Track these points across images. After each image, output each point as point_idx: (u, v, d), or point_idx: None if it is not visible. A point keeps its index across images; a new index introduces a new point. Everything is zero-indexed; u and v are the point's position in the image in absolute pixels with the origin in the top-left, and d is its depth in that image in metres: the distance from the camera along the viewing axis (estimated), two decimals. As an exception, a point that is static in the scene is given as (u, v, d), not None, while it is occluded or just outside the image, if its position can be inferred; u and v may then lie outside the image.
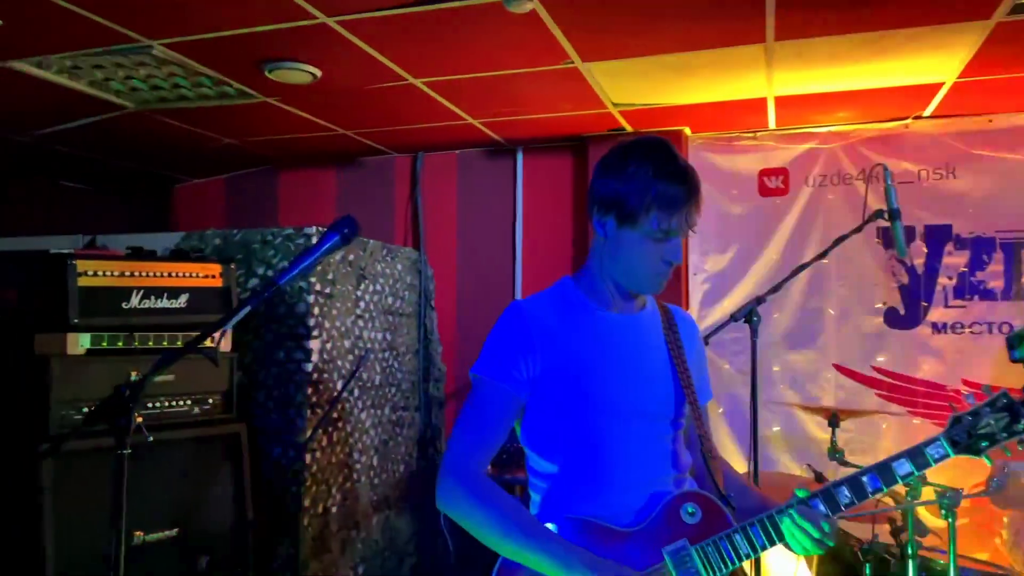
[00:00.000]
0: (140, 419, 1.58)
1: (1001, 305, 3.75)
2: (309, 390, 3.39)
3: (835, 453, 2.92)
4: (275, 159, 4.73)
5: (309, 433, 3.36)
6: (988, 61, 3.06)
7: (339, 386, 3.60)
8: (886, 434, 3.82)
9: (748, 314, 2.63)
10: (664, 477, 1.63)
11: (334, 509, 3.55)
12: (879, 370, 3.87)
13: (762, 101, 3.61)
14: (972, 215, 3.79)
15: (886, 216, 2.79)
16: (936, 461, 1.49)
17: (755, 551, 1.51)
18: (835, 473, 3.46)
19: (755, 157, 4.10)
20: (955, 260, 3.82)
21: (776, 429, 3.94)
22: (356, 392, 3.75)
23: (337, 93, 3.43)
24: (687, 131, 4.11)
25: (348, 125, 4.02)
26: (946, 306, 3.82)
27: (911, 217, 3.81)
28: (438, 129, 4.12)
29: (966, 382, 3.77)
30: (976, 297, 3.78)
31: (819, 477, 3.16)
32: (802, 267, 2.77)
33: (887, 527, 2.80)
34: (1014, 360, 1.48)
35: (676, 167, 1.61)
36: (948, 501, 2.41)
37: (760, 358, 3.95)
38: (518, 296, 4.41)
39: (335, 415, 3.57)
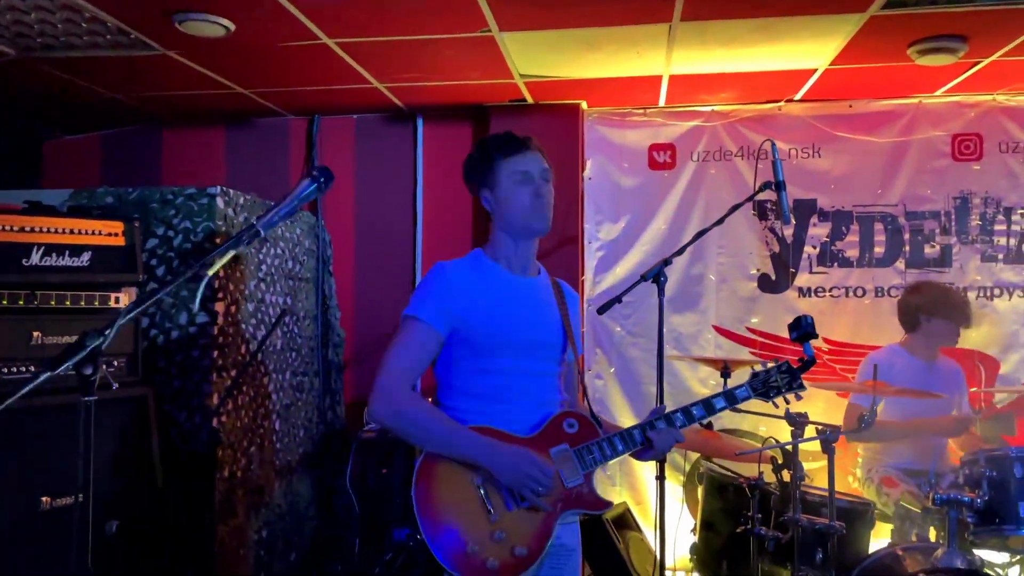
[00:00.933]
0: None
1: (856, 272, 4.22)
2: (215, 353, 3.31)
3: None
4: (160, 116, 4.51)
5: (217, 398, 3.30)
6: (857, 51, 3.42)
7: (243, 350, 3.54)
8: (758, 388, 4.20)
9: (656, 274, 2.84)
10: (552, 400, 2.09)
11: (239, 474, 3.51)
12: (753, 330, 4.26)
13: (657, 79, 3.85)
14: (833, 191, 4.23)
15: (773, 187, 3.07)
16: (741, 400, 2.13)
17: (615, 454, 2.03)
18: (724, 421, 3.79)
19: (646, 132, 4.35)
20: (819, 231, 4.25)
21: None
22: (260, 356, 3.69)
23: (245, 50, 3.35)
24: (584, 105, 4.30)
25: (247, 84, 3.90)
26: (811, 272, 4.25)
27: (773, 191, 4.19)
28: (339, 92, 4.09)
29: (827, 340, 4.21)
30: (836, 264, 4.24)
31: (708, 425, 3.45)
32: (702, 232, 3.00)
33: (770, 465, 3.11)
34: (792, 340, 2.09)
35: (505, 135, 2.16)
36: (829, 437, 2.73)
37: (649, 319, 4.27)
38: (418, 264, 4.47)
39: (240, 379, 3.52)
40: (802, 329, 2.08)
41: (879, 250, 4.21)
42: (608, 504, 2.08)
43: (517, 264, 2.12)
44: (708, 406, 2.11)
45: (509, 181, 2.09)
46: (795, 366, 2.11)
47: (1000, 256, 4.12)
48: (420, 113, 4.47)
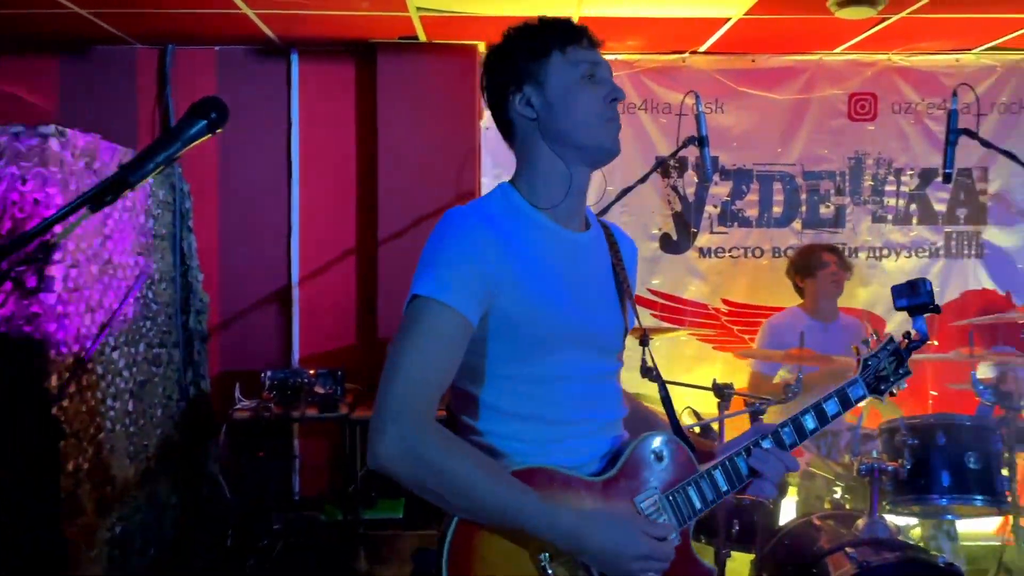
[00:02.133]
0: None
1: (755, 232, 4.15)
2: (53, 327, 2.76)
3: (646, 370, 3.01)
4: (-29, 38, 3.73)
5: (55, 380, 2.75)
6: (775, 1, 3.25)
7: (87, 320, 2.99)
8: (658, 351, 4.07)
9: (580, 235, 2.59)
10: (617, 419, 1.48)
11: (87, 466, 2.98)
12: (654, 292, 4.11)
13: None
14: (735, 148, 4.11)
15: (697, 143, 2.88)
16: (856, 401, 1.53)
17: (719, 497, 1.42)
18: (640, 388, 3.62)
19: (547, 79, 4.04)
20: (720, 190, 4.13)
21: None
22: (108, 328, 3.14)
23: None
24: (482, 47, 3.93)
25: (86, 2, 3.25)
26: (711, 232, 4.14)
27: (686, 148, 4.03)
28: (198, 17, 3.51)
29: (725, 301, 4.14)
30: (736, 224, 4.14)
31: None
32: (627, 189, 2.77)
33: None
34: (898, 308, 1.54)
35: (541, 17, 1.48)
36: (759, 408, 2.59)
37: (551, 282, 4.02)
38: (295, 219, 3.99)
39: (85, 357, 2.97)
40: (919, 297, 1.51)
41: (777, 210, 4.15)
42: (711, 572, 1.45)
43: (565, 212, 1.43)
44: (820, 415, 1.50)
45: (570, 77, 1.39)
46: (901, 344, 1.55)
47: (889, 217, 4.16)
48: (295, 47, 3.94)
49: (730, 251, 4.14)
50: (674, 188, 4.12)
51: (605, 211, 2.73)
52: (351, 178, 3.99)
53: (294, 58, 3.95)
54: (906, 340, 1.54)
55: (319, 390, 3.58)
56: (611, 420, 1.46)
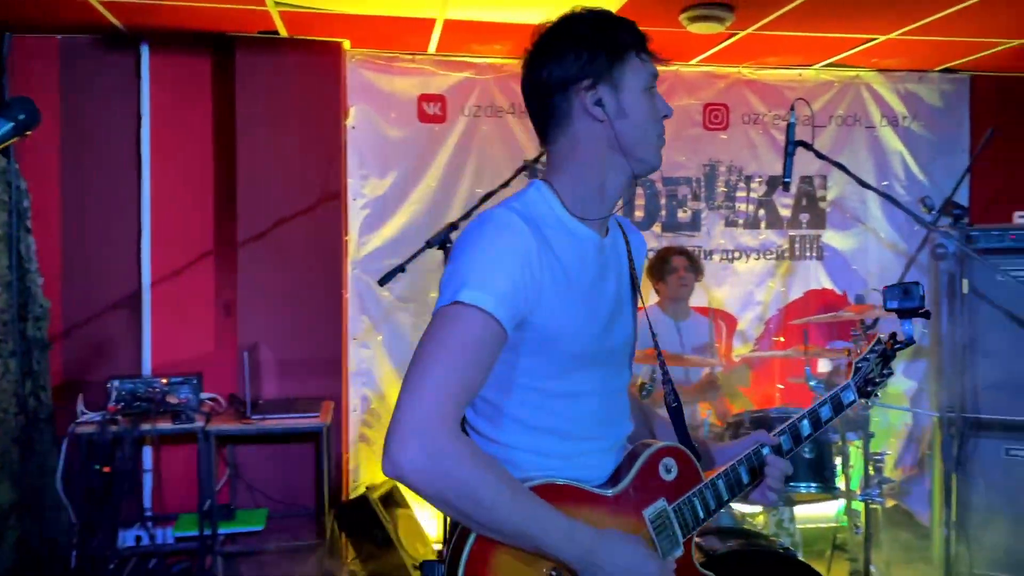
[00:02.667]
0: None
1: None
2: None
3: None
4: None
5: None
6: (633, 12, 3.35)
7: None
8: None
9: (443, 241, 2.58)
10: (628, 434, 1.46)
11: (-97, 491, 2.71)
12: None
13: (430, 23, 3.53)
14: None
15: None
16: (848, 406, 1.58)
17: (720, 506, 1.44)
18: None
19: (414, 81, 4.02)
20: (586, 193, 4.23)
21: (432, 353, 4.03)
22: (-71, 338, 2.87)
23: None
24: (346, 45, 3.86)
25: (-102, -22, 2.96)
26: (577, 235, 4.23)
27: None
28: (36, 3, 3.26)
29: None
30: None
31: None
32: (490, 194, 2.79)
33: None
34: (888, 309, 1.57)
35: (627, 20, 1.40)
36: (648, 389, 2.68)
37: (421, 283, 4.00)
38: (145, 219, 3.77)
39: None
40: (910, 301, 1.55)
41: (639, 214, 4.30)
42: None
43: (599, 219, 1.38)
44: (815, 421, 1.54)
45: (639, 86, 1.34)
46: (887, 346, 1.59)
47: (740, 221, 4.40)
48: (146, 39, 3.73)
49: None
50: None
51: (469, 214, 2.74)
52: (208, 177, 3.82)
53: (144, 50, 3.74)
54: (891, 342, 1.59)
55: (173, 400, 3.41)
56: (624, 435, 1.45)
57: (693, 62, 4.23)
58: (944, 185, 4.23)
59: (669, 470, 1.41)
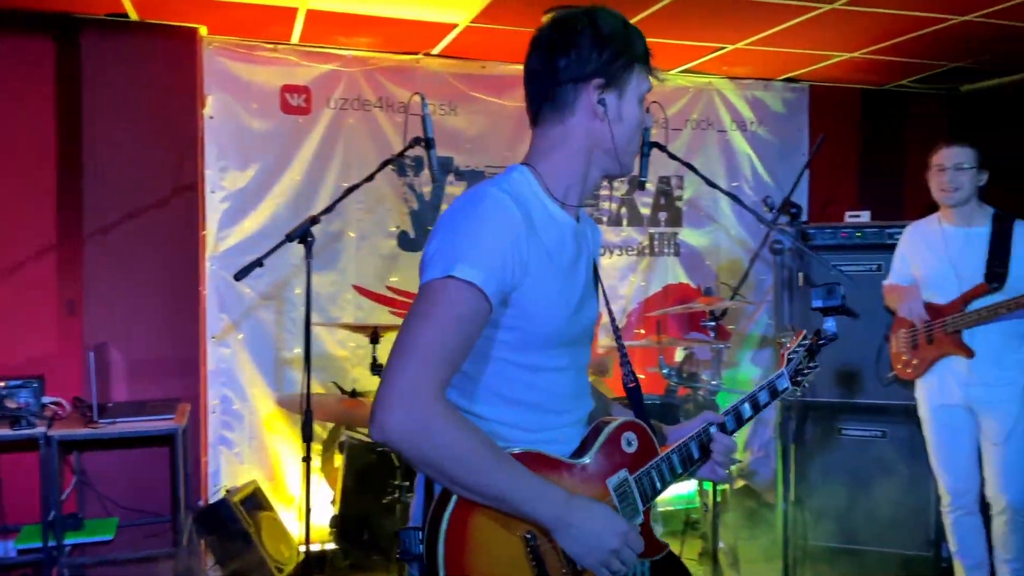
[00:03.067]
0: None
1: (487, 230, 4.34)
2: None
3: (376, 367, 3.05)
4: None
5: None
6: (500, 12, 3.43)
7: None
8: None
9: (304, 234, 2.54)
10: (589, 408, 1.53)
11: None
12: (393, 289, 4.15)
13: (292, 12, 3.45)
14: (469, 150, 4.27)
15: (423, 144, 2.95)
16: (782, 392, 1.67)
17: (675, 479, 1.52)
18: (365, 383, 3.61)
19: (277, 71, 3.92)
20: (455, 190, 4.26)
21: (298, 351, 3.94)
22: None
23: None
24: (203, 31, 3.71)
25: None
26: (446, 230, 4.26)
27: (420, 149, 4.11)
28: None
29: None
30: (469, 223, 4.30)
31: (352, 392, 3.27)
32: (354, 187, 2.77)
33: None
34: (813, 309, 1.69)
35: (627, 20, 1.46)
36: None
37: (282, 279, 3.92)
38: (-21, 209, 3.48)
39: None
40: (833, 300, 1.67)
41: (508, 210, 4.37)
42: (664, 547, 1.53)
43: (577, 204, 1.47)
44: (754, 404, 1.64)
45: (637, 96, 1.43)
46: (812, 340, 1.71)
47: (605, 219, 4.56)
48: (-25, 16, 3.45)
49: (464, 249, 4.29)
50: (410, 187, 4.18)
51: (331, 208, 2.71)
52: (51, 167, 3.56)
53: (-25, 28, 3.45)
54: (816, 338, 1.70)
55: (11, 404, 3.17)
56: (588, 411, 1.53)
57: (558, 63, 4.34)
58: (787, 186, 4.53)
59: (630, 443, 1.49)
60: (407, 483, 3.02)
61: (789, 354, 1.69)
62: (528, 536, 1.32)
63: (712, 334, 3.61)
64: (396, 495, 3.01)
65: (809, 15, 3.50)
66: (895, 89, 4.90)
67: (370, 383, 3.42)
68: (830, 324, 1.67)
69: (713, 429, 1.57)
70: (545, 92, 1.42)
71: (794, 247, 3.28)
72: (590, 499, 1.36)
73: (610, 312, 1.63)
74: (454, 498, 1.28)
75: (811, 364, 1.69)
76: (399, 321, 4.12)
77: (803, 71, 4.54)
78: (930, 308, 3.16)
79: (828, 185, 4.78)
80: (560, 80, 1.39)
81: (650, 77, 1.45)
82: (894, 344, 3.35)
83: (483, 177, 4.30)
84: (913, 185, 4.98)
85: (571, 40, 1.39)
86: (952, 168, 3.11)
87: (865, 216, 4.12)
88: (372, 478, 3.32)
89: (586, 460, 1.43)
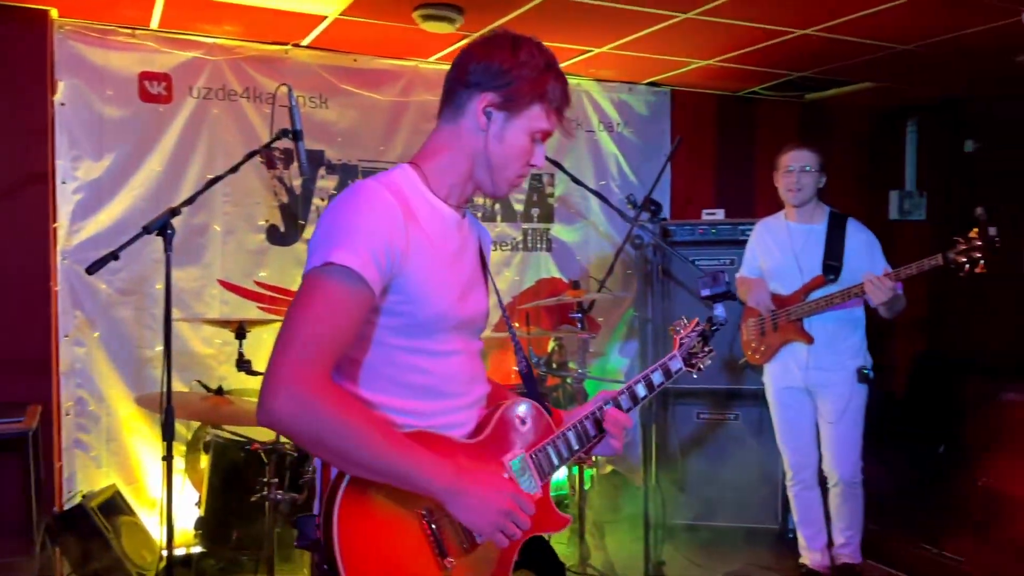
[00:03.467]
0: None
1: (361, 225, 4.32)
2: None
3: (243, 363, 2.98)
4: None
5: None
6: (368, 5, 3.43)
7: None
8: (266, 344, 4.05)
9: (162, 226, 2.46)
10: (485, 391, 1.60)
11: None
12: (261, 284, 4.07)
13: (151, -5, 3.32)
14: (340, 144, 4.24)
15: (291, 136, 2.91)
16: (675, 373, 1.77)
17: (571, 455, 1.60)
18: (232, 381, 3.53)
19: (134, 57, 3.75)
20: (327, 184, 4.22)
21: (159, 348, 3.79)
22: None
23: None
24: (54, 13, 3.51)
25: None
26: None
27: (288, 141, 4.05)
28: None
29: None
30: (342, 217, 4.27)
31: (219, 390, 3.19)
32: (217, 179, 2.70)
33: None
34: (702, 297, 1.81)
35: (560, 69, 1.53)
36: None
37: (142, 274, 3.76)
38: None
39: None
40: (719, 287, 1.81)
41: (381, 205, 4.37)
42: (567, 520, 1.62)
43: (462, 197, 1.54)
44: (648, 384, 1.73)
45: (529, 129, 1.48)
46: (705, 327, 1.83)
47: (480, 214, 4.63)
48: None
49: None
50: (280, 180, 4.11)
51: (192, 199, 2.63)
52: None
53: None
54: (708, 324, 1.81)
55: None
56: (483, 394, 1.58)
57: (431, 59, 4.38)
58: (651, 185, 4.77)
59: (525, 422, 1.57)
60: (276, 480, 2.98)
61: (682, 339, 1.81)
62: (424, 513, 1.36)
63: (580, 326, 3.75)
64: (265, 492, 2.96)
65: (667, 23, 3.70)
66: (748, 96, 5.23)
67: (237, 381, 3.34)
68: (719, 310, 1.80)
69: (608, 406, 1.66)
70: (450, 88, 1.51)
71: (654, 242, 3.47)
72: (478, 472, 1.41)
73: (501, 304, 1.72)
74: (346, 479, 1.30)
75: (706, 348, 1.81)
76: (268, 316, 4.06)
77: (664, 76, 4.78)
78: (776, 299, 3.43)
79: (688, 184, 5.06)
80: (465, 82, 1.47)
81: (557, 125, 1.52)
82: (744, 332, 3.61)
83: (356, 171, 4.28)
84: (763, 185, 5.36)
85: (490, 53, 1.47)
86: (798, 170, 3.38)
87: (720, 214, 4.40)
88: (240, 477, 3.25)
89: (481, 439, 1.50)
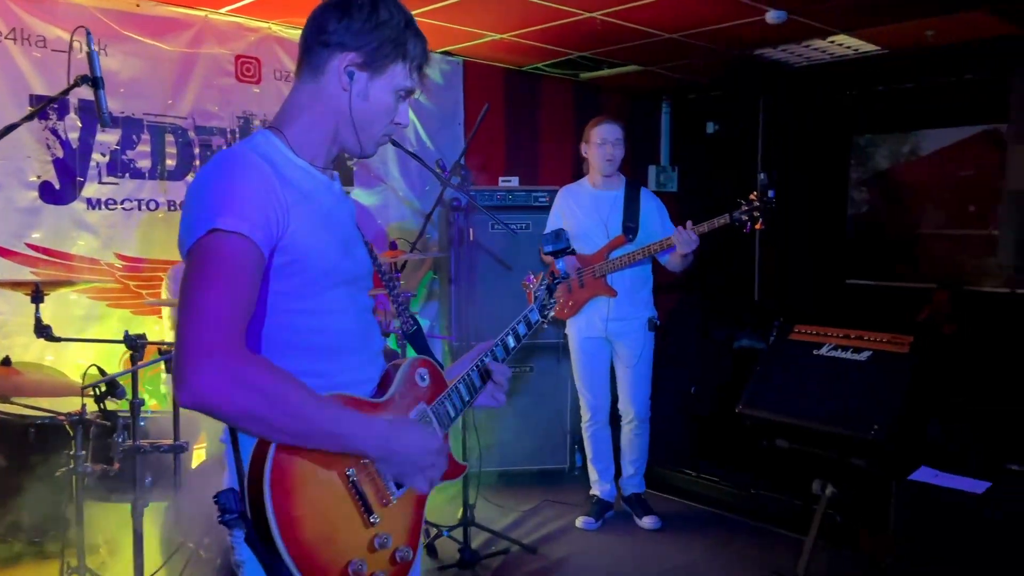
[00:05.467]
0: None
1: (149, 183, 4.04)
2: None
3: (42, 329, 2.73)
4: None
5: None
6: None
7: None
8: (44, 311, 3.67)
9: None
10: (380, 344, 1.59)
11: None
12: (34, 247, 3.68)
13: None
14: (123, 95, 3.91)
15: (90, 83, 2.69)
16: (535, 324, 1.85)
17: (464, 405, 1.66)
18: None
19: None
20: (108, 138, 3.89)
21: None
22: None
23: None
24: None
25: None
26: (100, 182, 3.88)
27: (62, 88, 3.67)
28: None
29: (119, 256, 3.94)
30: (128, 175, 3.97)
31: (5, 361, 2.88)
32: (10, 127, 2.43)
33: (91, 397, 2.79)
34: (547, 253, 1.90)
35: (418, 27, 1.51)
36: (169, 357, 2.62)
37: None
38: None
39: None
40: (561, 243, 1.97)
41: (171, 163, 4.11)
42: (464, 467, 1.68)
43: (328, 158, 1.51)
44: (515, 335, 1.77)
45: (393, 87, 1.47)
46: (549, 280, 1.93)
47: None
48: None
49: (122, 203, 3.95)
50: (54, 132, 3.71)
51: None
52: None
53: None
54: (552, 277, 1.92)
55: None
56: (379, 349, 1.59)
57: (223, 11, 4.17)
58: (446, 151, 4.95)
59: (423, 378, 1.62)
60: (83, 452, 2.78)
61: (536, 292, 1.95)
62: (349, 472, 1.39)
63: (399, 284, 3.85)
64: (73, 465, 2.74)
65: (466, -3, 3.87)
66: (532, 71, 5.58)
67: (20, 350, 3.04)
68: (561, 264, 2.01)
69: (487, 359, 1.71)
70: (308, 48, 1.47)
71: (472, 205, 3.66)
72: (405, 424, 1.48)
73: (378, 265, 1.72)
74: (272, 447, 1.29)
75: (551, 300, 1.92)
76: (47, 281, 3.70)
77: (458, 46, 4.96)
78: (580, 258, 3.78)
79: (482, 152, 5.30)
80: (325, 42, 1.44)
81: (417, 83, 1.52)
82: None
83: (141, 125, 3.99)
84: (546, 155, 5.78)
85: (349, 11, 1.44)
86: (612, 142, 3.75)
87: (515, 181, 4.70)
88: (35, 452, 2.98)
89: (388, 397, 1.53)
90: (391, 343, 3.92)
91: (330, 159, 1.52)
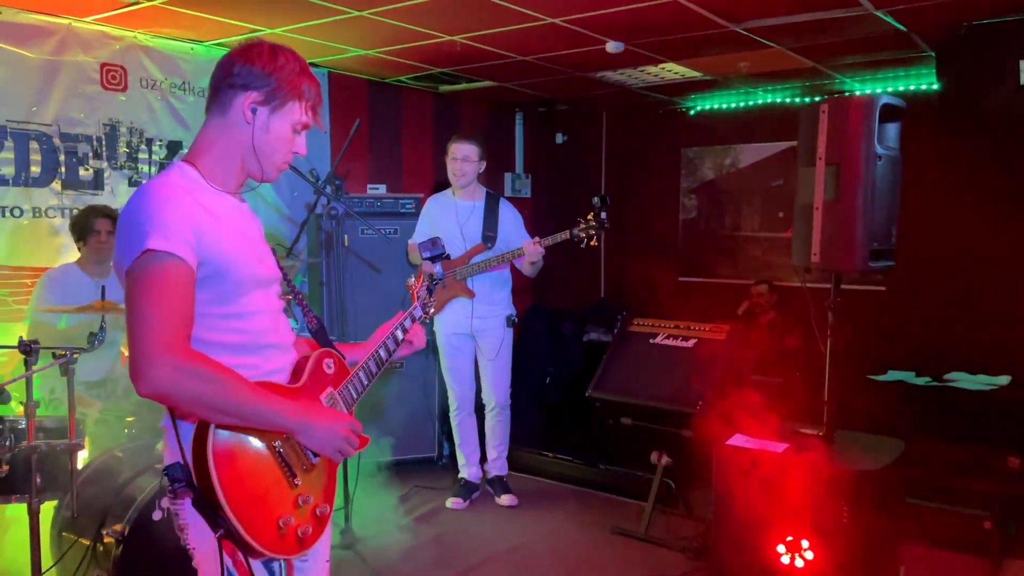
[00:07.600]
0: None
1: (13, 190, 4.02)
2: None
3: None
4: None
5: None
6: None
7: None
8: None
9: None
10: (289, 339, 1.87)
11: None
12: None
13: None
14: (-10, 103, 3.87)
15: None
16: (419, 318, 2.17)
17: (371, 380, 1.98)
18: None
19: None
20: (-33, 147, 3.83)
21: None
22: None
23: None
24: None
25: None
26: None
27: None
28: None
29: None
30: (-13, 183, 3.92)
31: None
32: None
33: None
34: (424, 259, 2.18)
35: (312, 72, 1.79)
36: (70, 360, 2.75)
37: None
38: None
39: None
40: (436, 250, 2.19)
41: (35, 169, 4.09)
42: (368, 439, 1.88)
43: (232, 187, 1.76)
44: (403, 329, 2.11)
45: (290, 122, 1.74)
46: (430, 284, 2.22)
47: (144, 181, 4.55)
48: None
49: (-16, 211, 3.90)
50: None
51: None
52: None
53: None
54: (429, 280, 2.21)
55: None
56: (290, 342, 1.88)
57: (88, 20, 4.19)
58: (312, 159, 5.13)
59: (330, 367, 1.91)
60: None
61: (418, 292, 2.23)
62: (276, 444, 1.68)
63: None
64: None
65: (342, 16, 4.13)
66: (394, 83, 5.88)
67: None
68: (438, 268, 2.24)
69: (399, 332, 2.08)
70: (217, 89, 1.72)
71: (348, 212, 3.94)
72: (318, 406, 1.81)
73: (282, 270, 1.97)
74: (212, 426, 1.56)
75: (431, 299, 2.23)
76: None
77: (324, 60, 5.18)
78: (444, 263, 4.14)
79: (347, 160, 5.55)
80: (231, 83, 1.70)
81: (312, 119, 1.77)
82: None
83: (4, 132, 3.97)
84: (408, 164, 6.11)
85: (252, 58, 1.71)
86: (460, 159, 4.13)
87: (383, 188, 5.01)
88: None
89: (301, 384, 1.82)
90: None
91: (239, 184, 1.78)
